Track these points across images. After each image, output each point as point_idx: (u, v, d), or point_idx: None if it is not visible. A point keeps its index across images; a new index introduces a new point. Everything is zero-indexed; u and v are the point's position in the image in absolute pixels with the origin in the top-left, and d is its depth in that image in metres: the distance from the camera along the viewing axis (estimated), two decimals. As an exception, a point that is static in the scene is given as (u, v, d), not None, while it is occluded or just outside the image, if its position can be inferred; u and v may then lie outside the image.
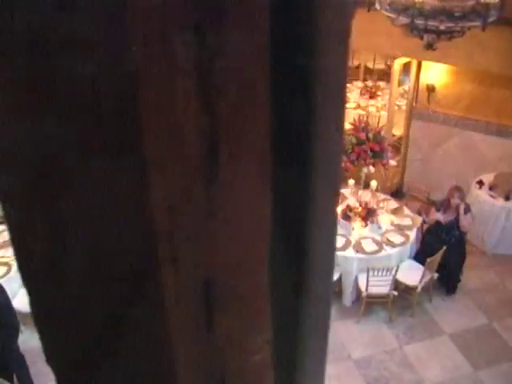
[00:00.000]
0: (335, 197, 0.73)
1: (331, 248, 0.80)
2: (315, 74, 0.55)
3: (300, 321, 0.74)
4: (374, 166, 8.00)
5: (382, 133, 8.07)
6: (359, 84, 13.14)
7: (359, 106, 12.25)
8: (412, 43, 8.15)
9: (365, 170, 8.05)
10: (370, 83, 13.07)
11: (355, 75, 14.02)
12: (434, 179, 10.24)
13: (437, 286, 8.66)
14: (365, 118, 10.02)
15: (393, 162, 8.36)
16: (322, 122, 0.59)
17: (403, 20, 4.62)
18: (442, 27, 4.64)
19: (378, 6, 4.83)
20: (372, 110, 12.08)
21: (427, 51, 8.42)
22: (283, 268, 0.70)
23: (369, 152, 7.84)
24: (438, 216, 8.34)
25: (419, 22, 4.58)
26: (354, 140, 7.88)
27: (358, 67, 14.24)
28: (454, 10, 4.47)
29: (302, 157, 0.59)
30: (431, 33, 4.75)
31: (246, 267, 0.65)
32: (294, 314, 0.73)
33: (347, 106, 11.96)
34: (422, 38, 4.87)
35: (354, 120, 8.42)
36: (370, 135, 7.88)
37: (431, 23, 4.59)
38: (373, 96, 12.46)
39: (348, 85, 12.87)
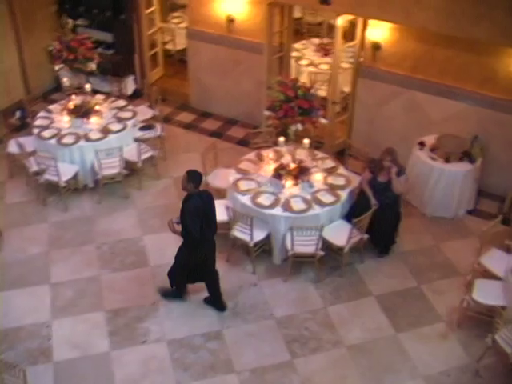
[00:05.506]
0: None
1: None
2: None
3: None
4: (302, 123, 7.83)
5: (313, 90, 7.86)
6: (316, 41, 12.85)
7: (312, 64, 11.99)
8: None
9: (292, 127, 7.88)
10: (325, 41, 12.77)
11: (317, 32, 13.77)
12: (379, 138, 10.09)
13: (369, 247, 8.59)
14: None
15: (323, 120, 8.15)
16: None
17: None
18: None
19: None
20: (324, 67, 11.81)
21: (366, 6, 8.29)
22: None
23: (296, 109, 7.66)
24: (371, 177, 8.23)
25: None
26: (282, 97, 7.70)
27: (320, 24, 13.98)
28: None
29: None
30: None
31: None
32: None
33: (301, 62, 11.80)
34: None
35: (282, 77, 8.21)
36: (300, 92, 7.69)
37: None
38: (327, 53, 12.19)
39: (304, 41, 12.68)
